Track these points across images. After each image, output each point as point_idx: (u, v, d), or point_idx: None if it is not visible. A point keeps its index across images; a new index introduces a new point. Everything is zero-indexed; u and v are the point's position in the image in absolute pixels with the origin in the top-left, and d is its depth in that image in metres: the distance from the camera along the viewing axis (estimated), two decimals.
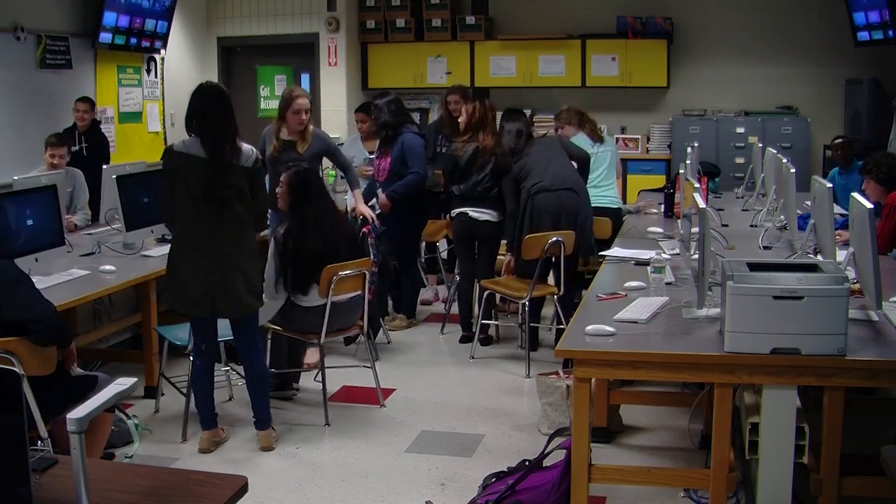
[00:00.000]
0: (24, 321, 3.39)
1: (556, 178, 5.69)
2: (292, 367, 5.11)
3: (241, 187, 4.13)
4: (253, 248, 4.28)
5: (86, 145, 6.89)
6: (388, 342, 6.13)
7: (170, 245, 4.30)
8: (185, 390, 4.62)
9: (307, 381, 5.22)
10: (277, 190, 4.85)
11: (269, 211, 5.15)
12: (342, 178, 6.69)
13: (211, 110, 4.10)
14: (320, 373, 4.83)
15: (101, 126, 7.66)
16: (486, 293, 5.86)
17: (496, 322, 6.28)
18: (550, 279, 5.90)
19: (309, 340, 4.89)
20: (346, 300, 4.81)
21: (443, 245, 7.67)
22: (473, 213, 6.00)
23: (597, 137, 6.53)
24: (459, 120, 6.23)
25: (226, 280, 4.13)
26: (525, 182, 5.72)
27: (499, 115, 6.28)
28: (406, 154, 6.26)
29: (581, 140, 6.36)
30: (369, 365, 5.13)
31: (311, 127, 5.76)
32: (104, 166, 6.00)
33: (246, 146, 4.21)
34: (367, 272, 4.82)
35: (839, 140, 6.93)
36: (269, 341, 4.84)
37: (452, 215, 6.15)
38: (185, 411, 4.56)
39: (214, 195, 4.06)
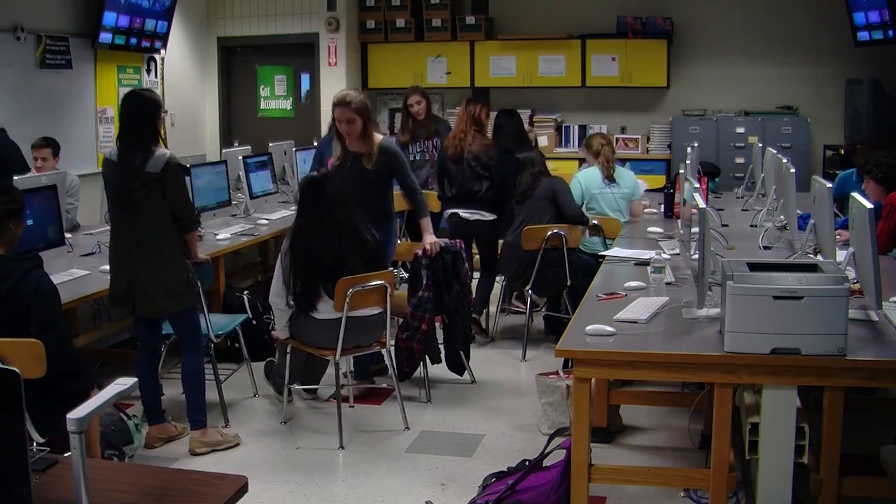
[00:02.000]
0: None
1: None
2: (306, 382, 4.96)
3: (149, 191, 4.17)
4: (171, 250, 4.26)
5: None
6: (473, 382, 5.36)
7: None
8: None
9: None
10: None
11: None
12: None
13: (124, 117, 4.34)
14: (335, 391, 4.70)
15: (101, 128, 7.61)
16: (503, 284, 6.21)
17: (512, 306, 6.41)
18: None
19: (323, 357, 4.69)
20: (365, 316, 4.53)
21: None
22: (464, 213, 6.10)
23: (607, 175, 6.12)
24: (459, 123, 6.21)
25: (141, 280, 4.24)
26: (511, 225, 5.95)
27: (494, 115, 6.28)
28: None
29: (593, 173, 6.16)
30: (393, 390, 4.85)
31: (375, 139, 4.96)
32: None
33: (159, 151, 4.20)
34: (387, 286, 4.54)
35: (861, 145, 6.83)
36: (287, 354, 4.71)
37: (446, 216, 6.22)
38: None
39: (123, 198, 4.19)
